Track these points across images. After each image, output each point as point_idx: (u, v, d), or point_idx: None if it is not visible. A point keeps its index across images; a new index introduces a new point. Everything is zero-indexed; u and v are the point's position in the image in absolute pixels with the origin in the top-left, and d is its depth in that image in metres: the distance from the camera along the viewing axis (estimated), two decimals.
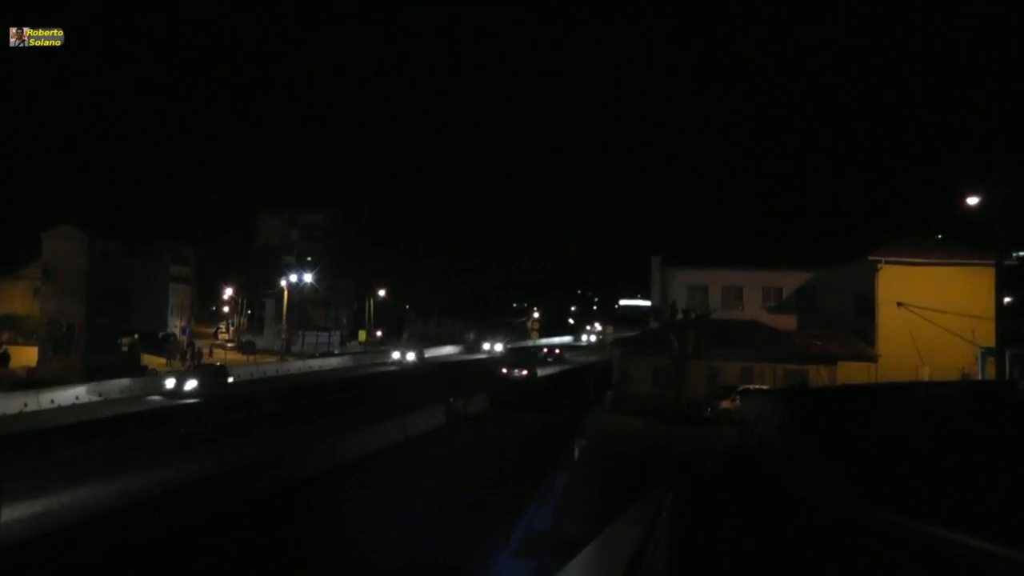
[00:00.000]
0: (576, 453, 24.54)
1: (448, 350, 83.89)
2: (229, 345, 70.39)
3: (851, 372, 36.14)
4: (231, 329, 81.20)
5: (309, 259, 79.43)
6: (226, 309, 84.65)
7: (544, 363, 68.80)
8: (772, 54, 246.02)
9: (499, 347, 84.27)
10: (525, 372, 56.42)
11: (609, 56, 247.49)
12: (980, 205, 25.35)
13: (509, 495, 18.93)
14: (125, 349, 51.05)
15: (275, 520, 17.80)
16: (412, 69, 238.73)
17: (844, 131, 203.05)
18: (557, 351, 79.07)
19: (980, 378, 33.15)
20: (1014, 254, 34.97)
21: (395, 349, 72.16)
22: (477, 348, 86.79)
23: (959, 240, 39.24)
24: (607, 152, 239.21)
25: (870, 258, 38.43)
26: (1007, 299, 27.67)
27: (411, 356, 67.62)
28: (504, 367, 58.67)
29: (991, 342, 27.42)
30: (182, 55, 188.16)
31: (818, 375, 37.20)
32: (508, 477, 21.93)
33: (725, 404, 34.05)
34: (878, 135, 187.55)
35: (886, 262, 38.08)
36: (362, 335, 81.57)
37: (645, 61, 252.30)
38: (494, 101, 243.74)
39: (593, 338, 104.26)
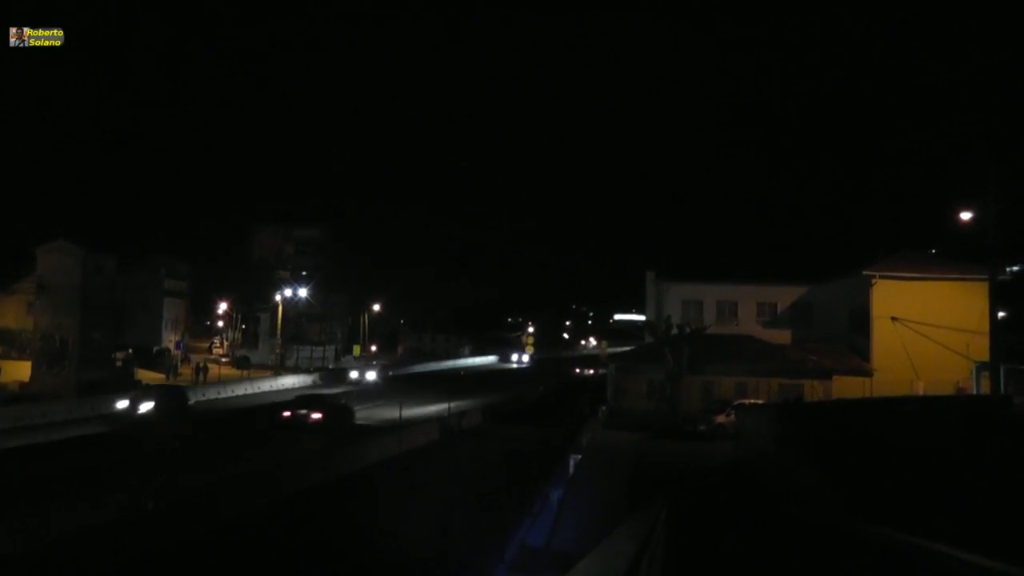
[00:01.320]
0: (571, 468, 24.49)
1: (288, 382, 56.59)
2: (224, 360, 70.11)
3: (846, 387, 36.17)
4: (225, 344, 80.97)
5: (304, 274, 79.36)
6: (221, 324, 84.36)
7: (605, 366, 79.29)
8: (767, 68, 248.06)
9: (371, 375, 64.46)
10: (592, 371, 75.59)
11: (604, 68, 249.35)
12: (974, 220, 25.52)
13: (503, 510, 18.83)
14: (119, 364, 50.85)
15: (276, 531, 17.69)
16: (406, 83, 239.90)
17: (838, 146, 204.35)
18: None
19: (975, 393, 33.21)
20: (1007, 269, 35.12)
21: (123, 397, 36.38)
22: (342, 378, 61.83)
23: (953, 255, 39.39)
24: (603, 167, 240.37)
25: (864, 273, 38.54)
26: (1001, 314, 27.80)
27: (147, 407, 34.64)
28: (577, 367, 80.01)
29: (985, 357, 27.49)
30: (178, 65, 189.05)
31: (813, 390, 37.21)
32: (502, 492, 21.80)
33: (720, 419, 33.99)
34: (872, 150, 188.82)
35: (880, 277, 38.19)
36: (356, 350, 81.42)
37: (640, 74, 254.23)
38: (490, 115, 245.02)
39: (525, 357, 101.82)
